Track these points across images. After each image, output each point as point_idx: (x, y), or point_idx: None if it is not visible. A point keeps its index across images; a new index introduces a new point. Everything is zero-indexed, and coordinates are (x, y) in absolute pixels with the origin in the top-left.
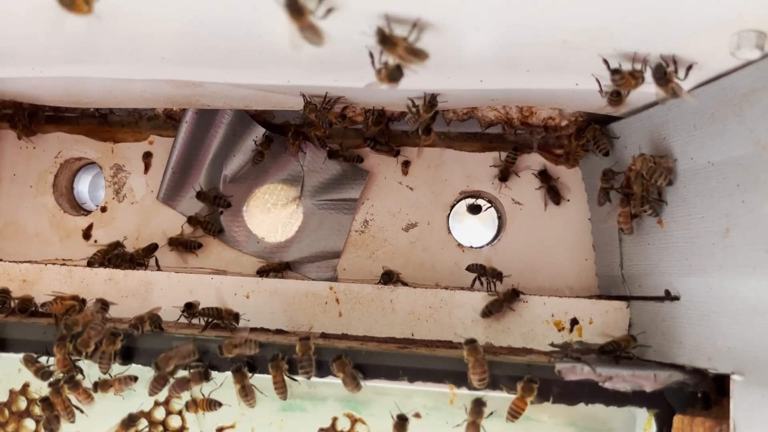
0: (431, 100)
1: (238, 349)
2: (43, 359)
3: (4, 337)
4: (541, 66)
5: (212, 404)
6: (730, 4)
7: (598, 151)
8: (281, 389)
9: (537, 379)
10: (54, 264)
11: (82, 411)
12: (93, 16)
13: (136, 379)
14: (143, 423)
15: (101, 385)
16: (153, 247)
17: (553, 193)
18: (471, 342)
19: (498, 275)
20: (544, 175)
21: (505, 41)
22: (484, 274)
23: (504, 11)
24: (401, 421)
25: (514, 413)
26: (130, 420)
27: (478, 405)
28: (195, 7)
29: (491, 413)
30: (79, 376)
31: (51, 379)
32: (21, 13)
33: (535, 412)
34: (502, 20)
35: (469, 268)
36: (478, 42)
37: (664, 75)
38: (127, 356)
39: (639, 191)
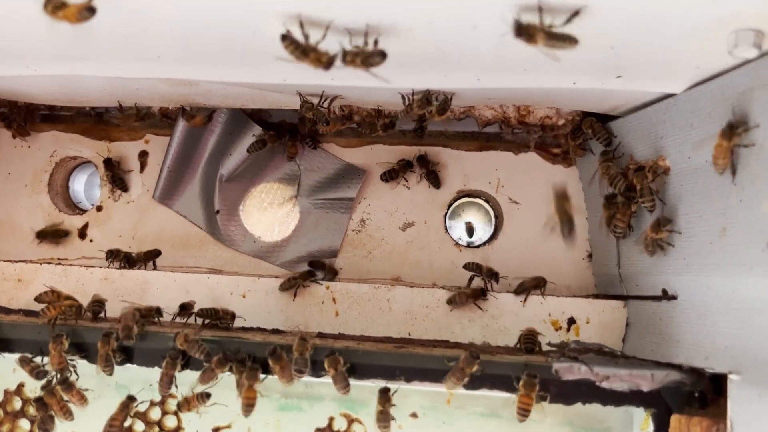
0: (427, 97)
1: (188, 344)
2: (37, 359)
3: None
4: (538, 65)
5: (202, 397)
6: (728, 3)
7: (598, 142)
8: (288, 378)
9: (536, 373)
10: (49, 263)
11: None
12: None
13: (209, 396)
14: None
15: (182, 405)
16: (156, 253)
17: (433, 177)
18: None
19: (494, 275)
20: (422, 160)
21: (502, 40)
22: (480, 273)
23: (502, 10)
24: (384, 393)
25: (524, 411)
26: (129, 399)
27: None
28: (191, 4)
29: None
30: (72, 377)
31: (45, 380)
32: (15, 11)
33: (532, 412)
34: (499, 19)
35: (466, 267)
36: (475, 40)
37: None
38: (128, 357)
39: (640, 183)
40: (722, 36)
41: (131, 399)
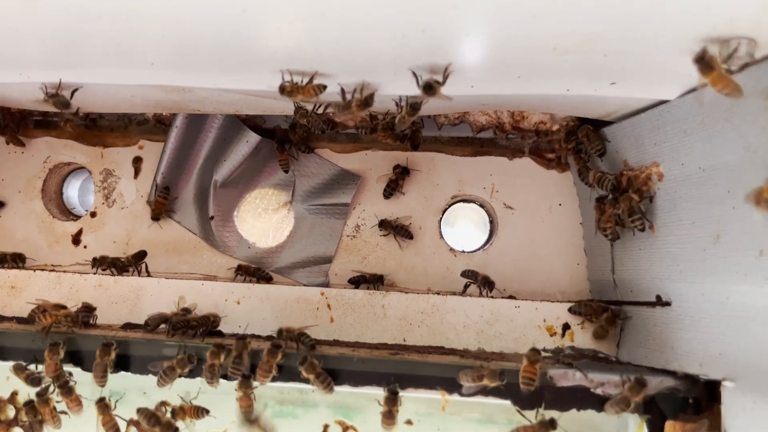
0: (413, 104)
1: None
2: (32, 367)
3: None
4: (532, 71)
5: (199, 411)
6: (720, 11)
7: (593, 152)
8: (266, 373)
9: (538, 349)
10: (43, 270)
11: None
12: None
13: (207, 411)
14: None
15: (178, 413)
16: (142, 254)
17: (393, 185)
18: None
19: (490, 284)
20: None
21: (496, 47)
22: (476, 281)
23: (495, 17)
24: (392, 395)
25: (529, 381)
26: (101, 400)
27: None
28: (184, 11)
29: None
30: (72, 382)
31: (40, 387)
32: (8, 18)
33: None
34: (493, 26)
35: (463, 274)
36: (469, 47)
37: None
38: (123, 365)
39: (626, 207)
40: (715, 44)
41: (102, 399)
